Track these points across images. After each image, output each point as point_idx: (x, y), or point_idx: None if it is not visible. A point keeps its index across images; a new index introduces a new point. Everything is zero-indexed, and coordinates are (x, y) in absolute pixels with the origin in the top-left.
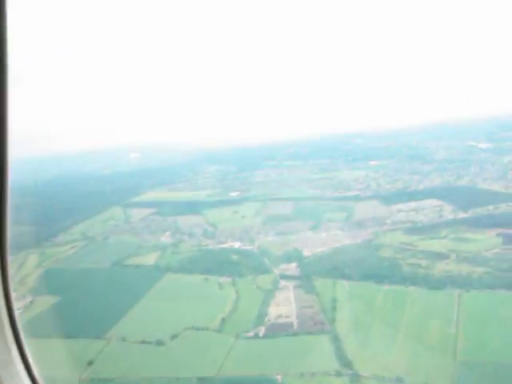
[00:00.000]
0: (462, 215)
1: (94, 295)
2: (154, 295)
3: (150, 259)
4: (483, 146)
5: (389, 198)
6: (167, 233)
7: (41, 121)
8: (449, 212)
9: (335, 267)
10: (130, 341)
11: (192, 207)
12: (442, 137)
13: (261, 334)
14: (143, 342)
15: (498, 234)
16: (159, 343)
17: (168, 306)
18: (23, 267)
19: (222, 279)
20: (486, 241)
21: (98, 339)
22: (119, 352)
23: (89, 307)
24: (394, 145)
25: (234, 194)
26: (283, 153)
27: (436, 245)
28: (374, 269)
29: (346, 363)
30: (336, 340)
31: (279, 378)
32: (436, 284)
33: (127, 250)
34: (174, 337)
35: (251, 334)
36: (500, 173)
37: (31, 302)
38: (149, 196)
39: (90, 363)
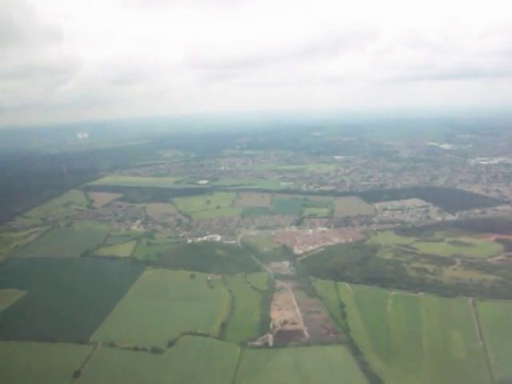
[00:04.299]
0: (450, 217)
1: (68, 290)
2: (138, 292)
3: (124, 250)
4: (445, 146)
5: (368, 195)
6: (138, 221)
7: None
8: (436, 213)
9: (333, 269)
10: (121, 347)
11: (160, 194)
12: (400, 136)
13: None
14: (136, 348)
15: (496, 240)
16: (155, 351)
17: (156, 306)
18: None
19: (210, 276)
20: (486, 246)
21: (82, 344)
22: (109, 360)
23: (64, 303)
24: (355, 140)
25: (202, 182)
26: (241, 142)
27: (436, 248)
28: (376, 272)
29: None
30: (356, 353)
31: None
32: (448, 291)
33: (96, 238)
34: (171, 344)
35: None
36: (474, 176)
37: None
38: (109, 180)
39: (77, 374)
